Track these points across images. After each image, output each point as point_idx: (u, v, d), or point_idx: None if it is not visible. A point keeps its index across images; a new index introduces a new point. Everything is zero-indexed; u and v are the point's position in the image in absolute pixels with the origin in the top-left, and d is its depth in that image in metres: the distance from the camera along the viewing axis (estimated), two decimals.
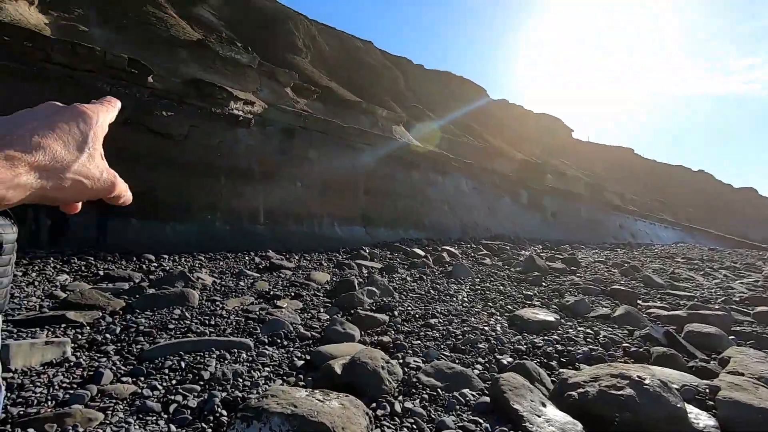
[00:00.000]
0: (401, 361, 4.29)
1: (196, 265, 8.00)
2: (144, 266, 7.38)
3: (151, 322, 4.78)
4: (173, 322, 4.83)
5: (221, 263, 8.38)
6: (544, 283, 9.48)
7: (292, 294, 6.62)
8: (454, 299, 7.26)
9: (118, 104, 0.63)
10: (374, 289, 6.82)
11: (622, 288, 9.15)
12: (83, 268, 6.85)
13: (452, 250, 13.61)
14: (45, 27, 11.21)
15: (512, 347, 5.03)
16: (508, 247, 16.27)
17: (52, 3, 13.58)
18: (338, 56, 33.01)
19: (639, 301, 8.51)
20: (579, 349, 5.11)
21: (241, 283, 6.97)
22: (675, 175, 70.24)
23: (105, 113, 0.57)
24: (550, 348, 5.09)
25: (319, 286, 7.34)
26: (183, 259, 8.34)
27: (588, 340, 5.54)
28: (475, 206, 21.38)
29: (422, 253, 11.90)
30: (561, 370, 4.55)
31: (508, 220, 23.27)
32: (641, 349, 5.35)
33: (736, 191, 72.28)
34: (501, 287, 8.58)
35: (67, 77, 9.17)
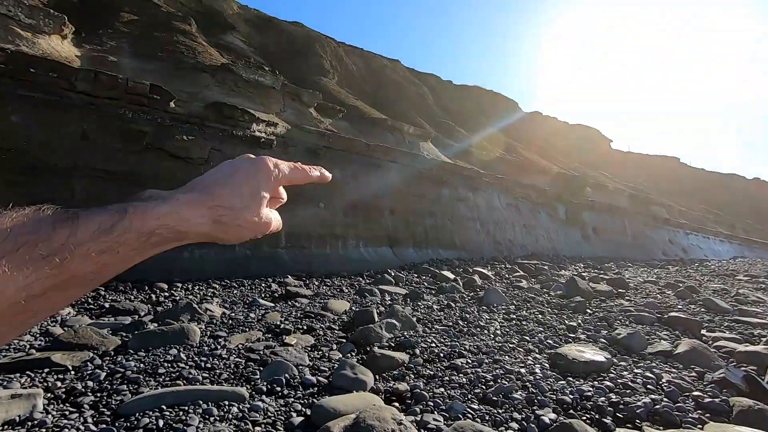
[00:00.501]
0: (418, 418, 3.58)
1: (209, 293, 7.61)
2: (154, 296, 7.05)
3: (142, 365, 4.31)
4: (165, 365, 4.35)
5: (236, 291, 7.96)
6: (589, 310, 8.46)
7: (304, 327, 6.04)
8: (486, 332, 6.46)
9: (319, 173, 0.74)
10: (395, 321, 6.14)
11: (681, 315, 8.01)
12: (90, 299, 6.59)
13: (484, 271, 12.71)
14: (76, 59, 11.54)
15: (555, 398, 4.20)
16: (546, 267, 15.13)
17: (87, 37, 14.14)
18: (365, 76, 33.16)
19: (703, 331, 7.37)
20: (639, 400, 4.20)
21: (252, 315, 6.48)
22: (727, 184, 65.53)
23: (288, 168, 0.66)
24: (602, 399, 4.22)
25: (336, 317, 6.73)
26: (197, 287, 7.98)
27: (649, 387, 4.60)
28: (510, 223, 20.31)
29: (451, 276, 11.10)
30: (618, 430, 3.69)
31: (546, 238, 21.98)
32: (718, 400, 4.37)
33: None
34: (539, 315, 7.67)
35: (89, 105, 9.24)
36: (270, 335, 5.66)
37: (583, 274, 14.81)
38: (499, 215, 20.06)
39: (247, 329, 5.82)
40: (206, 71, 13.51)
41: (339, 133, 15.56)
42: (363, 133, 18.64)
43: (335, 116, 18.20)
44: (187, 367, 4.34)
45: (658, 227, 29.16)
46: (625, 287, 12.05)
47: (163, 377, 4.08)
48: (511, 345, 5.81)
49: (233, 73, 13.72)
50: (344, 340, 5.65)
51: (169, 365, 4.35)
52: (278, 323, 6.14)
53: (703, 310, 9.20)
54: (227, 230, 0.57)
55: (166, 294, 7.27)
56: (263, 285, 8.64)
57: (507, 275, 12.93)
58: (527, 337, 6.23)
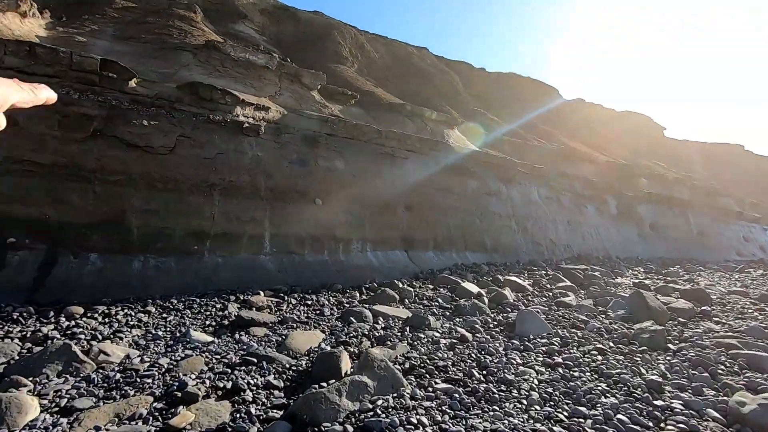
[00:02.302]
0: None
1: (133, 322, 5.63)
2: (46, 329, 5.12)
3: None
4: None
5: (172, 317, 5.96)
6: (671, 345, 5.84)
7: (226, 388, 3.91)
8: (515, 392, 4.09)
9: (47, 93, 0.65)
10: (366, 379, 3.89)
11: None
12: None
13: (519, 281, 10.15)
14: (34, 38, 10.04)
15: None
16: (597, 274, 12.32)
17: (68, 21, 12.75)
18: (389, 64, 30.94)
19: None
20: None
21: (164, 361, 4.43)
22: None
23: (8, 91, 0.58)
24: None
25: (289, 364, 4.56)
26: (127, 310, 6.05)
27: None
28: (551, 220, 17.44)
29: (474, 290, 8.66)
30: None
31: (594, 236, 18.89)
32: None
33: None
34: (598, 358, 5.17)
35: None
36: (162, 404, 3.57)
37: (646, 282, 11.90)
38: (538, 211, 17.24)
39: (136, 390, 3.77)
40: (187, 50, 11.76)
41: (347, 119, 13.43)
42: (378, 120, 16.42)
43: (346, 102, 16.08)
44: None
45: (730, 223, 25.04)
46: (707, 302, 9.19)
47: None
48: (556, 430, 3.42)
49: (219, 52, 11.89)
50: (277, 416, 3.48)
51: None
52: (192, 378, 4.05)
53: None
54: None
55: (69, 323, 5.34)
56: (218, 305, 6.60)
57: (548, 285, 10.31)
58: (583, 409, 3.80)
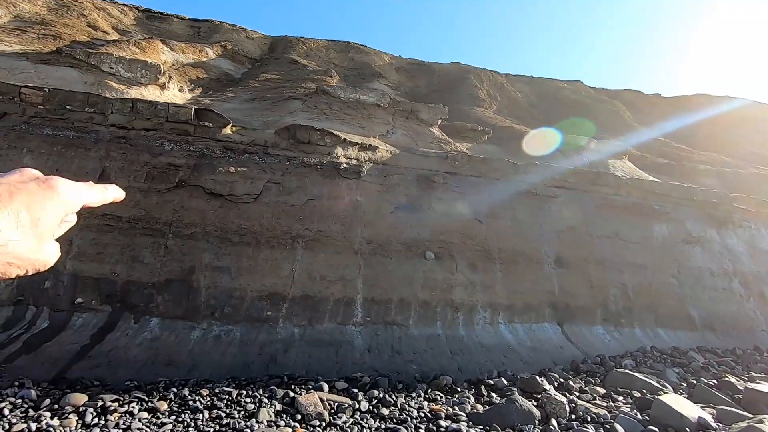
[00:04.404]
0: None
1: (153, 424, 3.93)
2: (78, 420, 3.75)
3: None
4: None
5: (200, 417, 4.09)
6: None
7: None
8: None
9: (115, 192, 0.63)
10: None
11: None
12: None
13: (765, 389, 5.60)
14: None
15: None
16: None
17: (214, 93, 13.93)
18: (535, 102, 27.87)
19: None
20: None
21: None
22: None
23: (80, 192, 0.56)
24: None
25: None
26: (145, 401, 4.46)
27: None
28: None
29: (691, 412, 4.72)
30: None
31: None
32: None
33: None
34: None
35: (120, 139, 7.51)
36: None
37: None
38: None
39: None
40: (298, 98, 11.27)
41: (472, 154, 11.02)
42: (519, 157, 13.53)
43: (477, 138, 13.74)
44: None
45: None
46: None
47: None
48: None
49: (328, 95, 11.10)
50: None
51: None
52: None
53: None
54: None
55: (88, 420, 3.89)
56: (264, 399, 4.53)
57: None
58: None
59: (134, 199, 7.06)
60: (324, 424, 4.30)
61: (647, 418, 4.69)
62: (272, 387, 5.05)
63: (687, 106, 33.50)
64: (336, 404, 4.72)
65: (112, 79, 10.35)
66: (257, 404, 4.51)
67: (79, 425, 3.86)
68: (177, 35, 21.36)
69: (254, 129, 9.20)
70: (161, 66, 10.95)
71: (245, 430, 3.92)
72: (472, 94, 23.98)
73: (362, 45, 28.79)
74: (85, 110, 7.64)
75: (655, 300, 9.68)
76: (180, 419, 4.09)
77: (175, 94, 12.04)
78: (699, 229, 11.15)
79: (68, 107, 7.60)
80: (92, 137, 7.39)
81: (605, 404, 5.25)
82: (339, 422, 4.30)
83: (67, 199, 0.52)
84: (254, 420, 4.12)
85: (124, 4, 22.97)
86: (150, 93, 10.88)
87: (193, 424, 3.99)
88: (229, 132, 8.62)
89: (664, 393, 5.34)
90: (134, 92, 10.38)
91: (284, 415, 4.36)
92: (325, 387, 5.18)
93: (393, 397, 5.06)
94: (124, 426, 3.90)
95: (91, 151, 7.27)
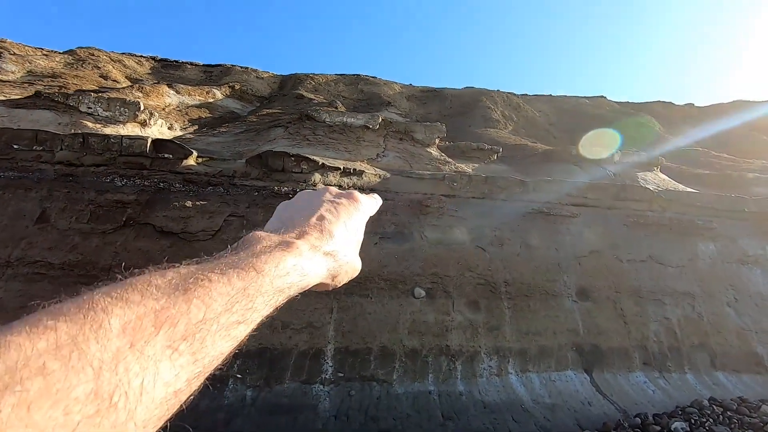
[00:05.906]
0: None
1: None
2: None
3: None
4: None
5: None
6: None
7: None
8: None
9: (379, 201, 0.65)
10: None
11: None
12: None
13: None
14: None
15: None
16: None
17: (208, 129, 13.51)
18: (554, 120, 26.56)
19: None
20: None
21: None
22: None
23: (370, 203, 0.60)
24: None
25: None
26: None
27: None
28: None
29: None
30: None
31: None
32: None
33: None
34: None
35: (66, 177, 6.81)
36: None
37: None
38: None
39: None
40: (281, 126, 10.52)
41: (473, 174, 9.80)
42: (532, 174, 12.19)
43: (485, 158, 12.54)
44: None
45: None
46: None
47: None
48: None
49: (313, 120, 10.28)
50: None
51: None
52: None
53: None
54: (338, 275, 0.51)
55: None
56: None
57: None
58: None
59: (72, 243, 6.23)
60: None
61: None
62: None
63: (723, 114, 31.11)
64: None
65: (89, 119, 9.94)
66: None
67: None
68: (189, 80, 21.56)
69: (223, 159, 8.41)
70: (140, 102, 10.51)
71: None
72: (485, 116, 22.95)
73: (372, 77, 28.56)
74: (33, 149, 7.05)
75: (708, 336, 7.86)
76: None
77: (162, 131, 11.58)
78: (756, 245, 9.29)
79: (15, 146, 7.03)
80: (35, 177, 6.74)
81: None
82: None
83: (367, 210, 0.57)
84: None
85: (141, 56, 23.62)
86: (128, 131, 10.41)
87: None
88: (192, 163, 7.83)
89: None
90: (110, 130, 9.92)
91: None
92: None
93: None
94: None
95: (32, 192, 6.58)
